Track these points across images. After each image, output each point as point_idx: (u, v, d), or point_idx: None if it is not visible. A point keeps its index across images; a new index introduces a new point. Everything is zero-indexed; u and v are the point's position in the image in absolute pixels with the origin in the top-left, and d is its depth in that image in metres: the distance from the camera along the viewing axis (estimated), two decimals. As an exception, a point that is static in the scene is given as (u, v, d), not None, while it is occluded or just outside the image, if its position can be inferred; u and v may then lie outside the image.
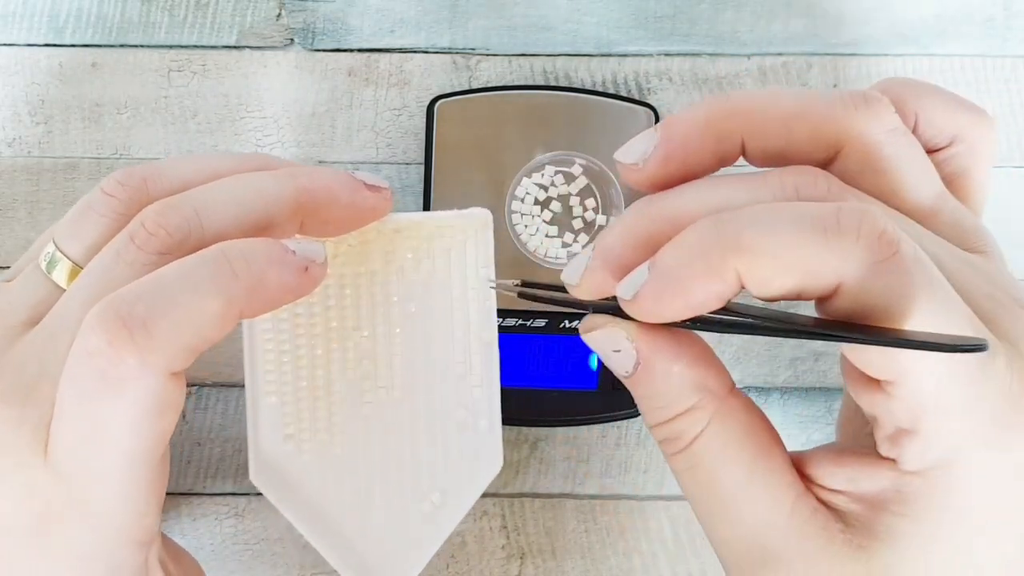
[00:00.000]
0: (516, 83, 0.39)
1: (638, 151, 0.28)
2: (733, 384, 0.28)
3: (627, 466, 0.39)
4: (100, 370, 0.26)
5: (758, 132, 0.27)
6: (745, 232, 0.24)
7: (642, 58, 0.39)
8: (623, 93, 0.39)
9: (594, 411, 0.38)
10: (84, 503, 0.27)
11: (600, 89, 0.39)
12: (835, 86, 0.39)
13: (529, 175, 0.37)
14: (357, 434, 0.33)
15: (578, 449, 0.39)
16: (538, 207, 0.38)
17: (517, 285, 0.29)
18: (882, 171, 0.27)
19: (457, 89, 0.39)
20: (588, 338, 0.28)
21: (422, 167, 0.38)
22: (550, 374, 0.38)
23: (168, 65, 0.39)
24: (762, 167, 0.28)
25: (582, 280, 0.27)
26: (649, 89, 0.39)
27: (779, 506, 0.26)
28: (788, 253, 0.24)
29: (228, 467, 0.39)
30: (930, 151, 0.30)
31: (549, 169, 0.38)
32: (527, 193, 0.37)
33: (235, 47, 0.39)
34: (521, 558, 0.39)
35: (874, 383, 0.25)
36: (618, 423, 0.39)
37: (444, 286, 0.33)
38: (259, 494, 0.33)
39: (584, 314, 0.28)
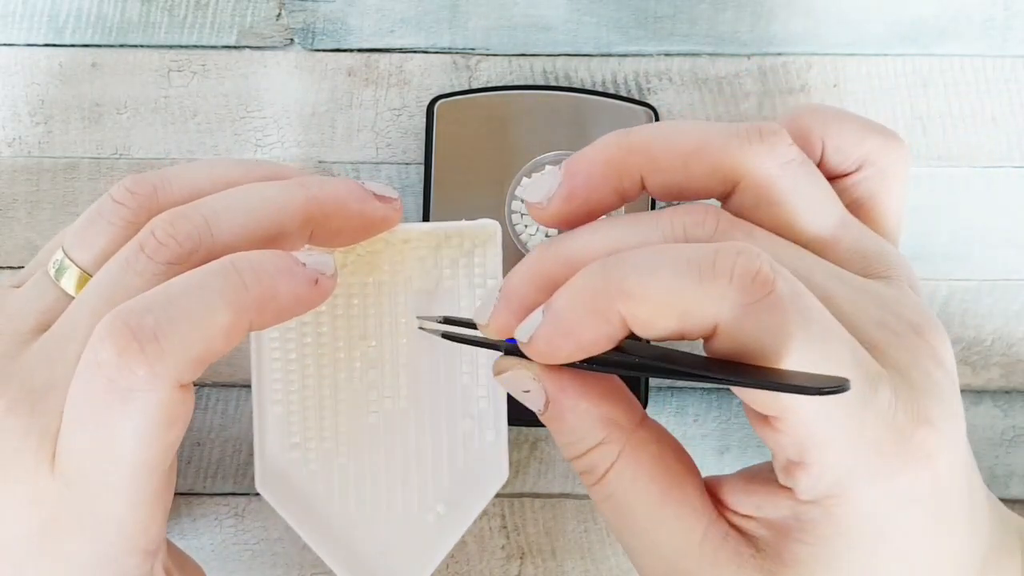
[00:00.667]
0: (516, 83, 0.39)
1: (542, 190, 0.29)
2: (644, 416, 0.29)
3: (627, 466, 0.39)
4: (109, 381, 0.26)
5: (656, 169, 0.28)
6: (627, 277, 0.25)
7: (642, 58, 0.39)
8: (623, 93, 0.39)
9: (594, 411, 0.38)
10: (91, 513, 0.27)
11: (600, 89, 0.39)
12: (835, 86, 0.39)
13: (529, 175, 0.38)
14: (363, 444, 0.33)
15: (578, 449, 0.39)
16: (538, 207, 0.38)
17: (441, 322, 0.31)
18: (777, 203, 0.28)
19: (457, 89, 0.39)
20: (499, 379, 0.29)
21: (422, 167, 0.38)
22: (550, 374, 0.38)
23: (168, 65, 0.39)
24: (665, 201, 0.29)
25: (490, 321, 0.28)
26: (649, 89, 0.39)
27: (691, 533, 0.27)
28: (666, 297, 0.25)
29: (228, 467, 0.39)
30: (839, 176, 0.30)
31: (549, 169, 0.37)
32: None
33: (235, 47, 0.39)
34: (521, 558, 0.39)
35: (763, 417, 0.26)
36: (618, 423, 0.39)
37: (452, 296, 0.33)
38: (259, 494, 0.33)
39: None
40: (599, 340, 0.26)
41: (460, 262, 0.33)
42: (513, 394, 0.28)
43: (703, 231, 0.27)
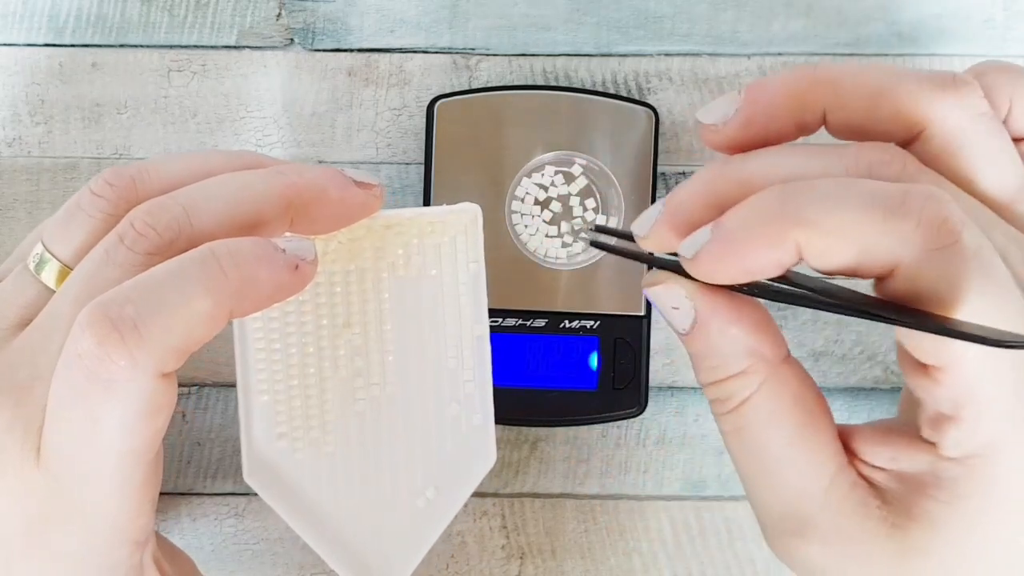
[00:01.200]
0: (516, 83, 0.39)
1: (719, 113, 0.28)
2: (788, 352, 0.28)
3: (627, 466, 0.39)
4: (91, 372, 0.26)
5: (841, 105, 0.27)
6: (809, 205, 0.24)
7: (642, 58, 0.39)
8: (623, 93, 0.39)
9: (594, 411, 0.38)
10: (78, 504, 0.27)
11: (600, 89, 0.39)
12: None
13: (529, 175, 0.37)
14: (350, 431, 0.33)
15: (578, 449, 0.39)
16: (538, 207, 0.38)
17: (592, 231, 0.29)
18: (963, 156, 0.27)
19: (457, 89, 0.39)
20: (649, 292, 0.28)
21: (422, 167, 0.38)
22: (550, 374, 0.38)
23: (168, 65, 0.39)
24: (843, 140, 0.28)
25: (650, 232, 0.27)
26: (649, 89, 0.39)
27: (819, 476, 0.27)
28: (848, 230, 0.24)
29: (228, 467, 0.39)
30: (1021, 140, 0.29)
31: (549, 169, 0.38)
32: (527, 193, 0.37)
33: (235, 47, 0.39)
34: (521, 558, 0.39)
35: (922, 367, 0.25)
36: (618, 423, 0.39)
37: (435, 281, 0.33)
38: (258, 493, 0.33)
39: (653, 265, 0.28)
40: (768, 265, 0.25)
41: (443, 247, 0.33)
42: (659, 308, 0.28)
43: (890, 171, 0.26)
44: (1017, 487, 0.25)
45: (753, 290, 0.26)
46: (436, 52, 0.39)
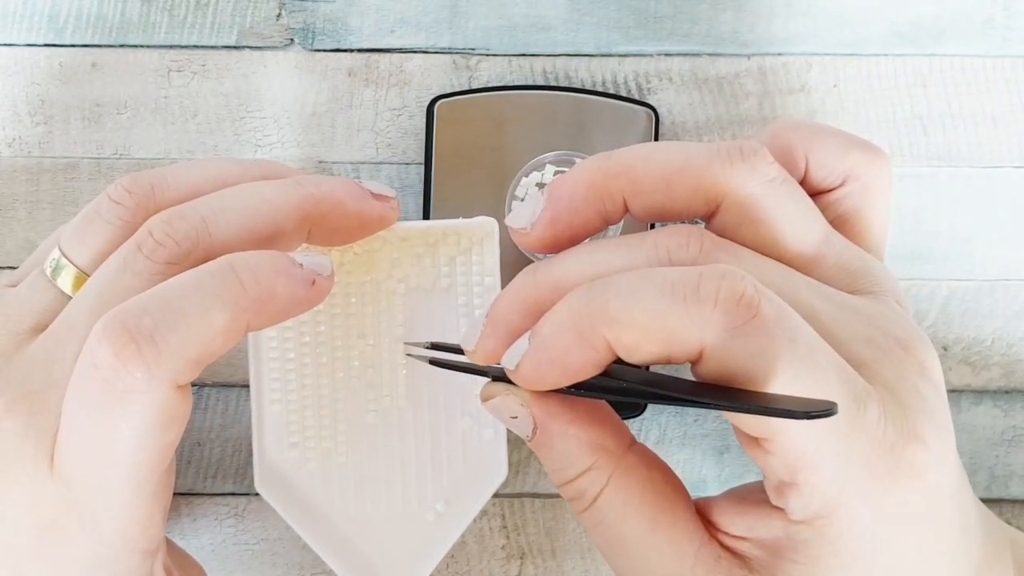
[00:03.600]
0: (516, 83, 0.39)
1: (526, 216, 0.29)
2: (633, 440, 0.28)
3: (627, 466, 0.39)
4: (107, 383, 0.26)
5: (638, 192, 0.28)
6: (612, 302, 0.25)
7: (642, 58, 0.39)
8: (623, 93, 0.39)
9: (594, 411, 0.38)
10: (90, 514, 0.27)
11: (600, 89, 0.39)
12: (835, 86, 0.39)
13: (529, 175, 0.38)
14: (362, 443, 0.33)
15: (578, 449, 0.39)
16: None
17: (429, 348, 0.31)
18: (760, 222, 0.28)
19: (457, 89, 0.39)
20: (486, 406, 0.28)
21: (422, 167, 0.38)
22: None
23: (168, 65, 0.39)
24: (648, 222, 0.29)
25: (476, 347, 0.28)
26: (649, 89, 0.39)
27: (683, 557, 0.27)
28: (651, 322, 0.25)
29: (228, 467, 0.39)
30: (823, 192, 0.30)
31: (549, 169, 0.38)
32: (527, 193, 0.37)
33: (235, 47, 0.39)
34: (521, 558, 0.39)
35: (754, 440, 0.26)
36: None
37: (450, 294, 0.33)
38: (259, 495, 0.33)
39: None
40: (586, 366, 0.26)
41: (458, 260, 0.33)
42: (501, 421, 0.28)
43: (687, 253, 0.27)
44: (860, 542, 0.25)
45: (581, 391, 0.27)
46: (436, 52, 0.39)
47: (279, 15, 0.39)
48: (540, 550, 0.39)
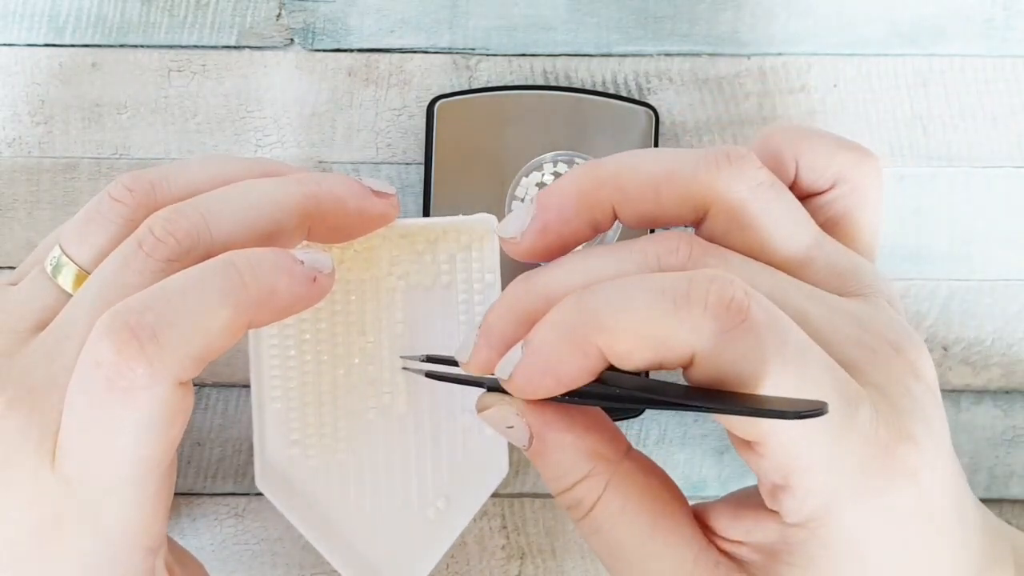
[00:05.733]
0: (516, 83, 0.39)
1: (516, 226, 0.29)
2: (628, 446, 0.28)
3: (627, 466, 0.39)
4: (108, 380, 0.26)
5: (626, 199, 0.28)
6: (602, 310, 0.25)
7: (642, 58, 0.39)
8: (623, 93, 0.39)
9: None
10: (92, 511, 0.27)
11: (600, 89, 0.39)
12: (835, 86, 0.39)
13: (529, 175, 0.38)
14: (362, 439, 0.33)
15: (578, 449, 0.39)
16: (538, 207, 0.38)
17: (424, 360, 0.31)
18: (749, 227, 0.28)
19: (457, 89, 0.39)
20: (482, 417, 0.28)
21: (422, 167, 0.38)
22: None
23: (168, 65, 0.39)
24: (638, 229, 0.30)
25: (471, 358, 0.28)
26: (649, 89, 0.39)
27: (681, 563, 0.27)
28: (642, 328, 0.25)
29: (228, 467, 0.39)
30: (813, 194, 0.30)
31: (549, 169, 0.38)
32: (527, 193, 0.37)
33: (235, 47, 0.39)
34: (521, 558, 0.39)
35: (746, 443, 0.26)
36: (618, 423, 0.39)
37: (450, 291, 0.33)
38: (259, 494, 0.33)
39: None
40: (579, 374, 0.26)
41: (458, 257, 0.33)
42: (497, 431, 0.28)
43: (677, 259, 0.27)
44: (855, 543, 0.26)
45: (575, 398, 0.27)
46: (436, 52, 0.39)
47: (279, 15, 0.39)
48: (540, 550, 0.39)
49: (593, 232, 0.29)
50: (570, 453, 0.28)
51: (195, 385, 0.38)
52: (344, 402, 0.33)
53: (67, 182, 0.39)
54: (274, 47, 0.39)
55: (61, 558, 0.27)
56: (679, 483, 0.29)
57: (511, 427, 0.28)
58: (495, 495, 0.39)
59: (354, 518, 0.33)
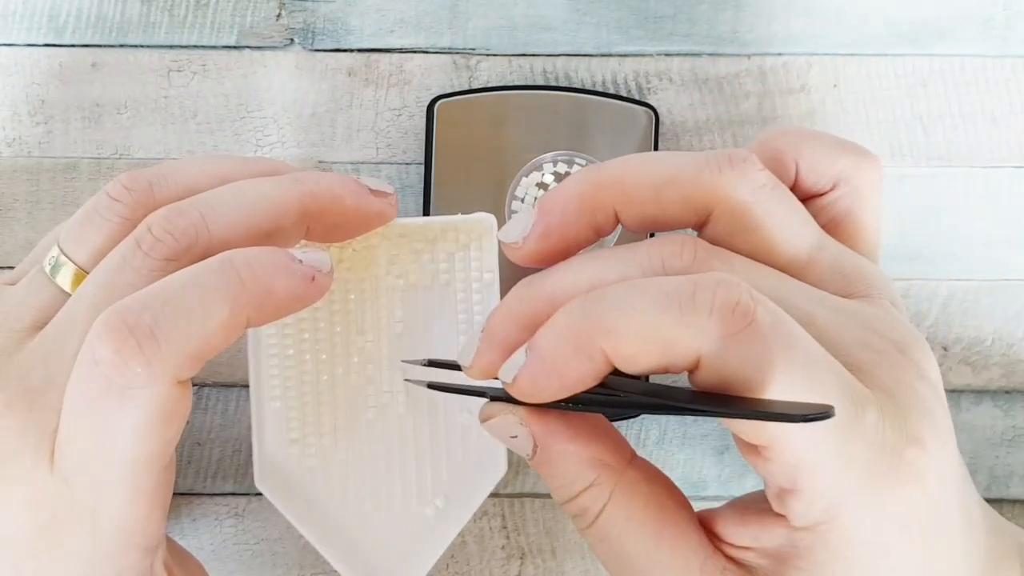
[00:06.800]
0: (516, 83, 0.39)
1: (518, 230, 0.29)
2: (633, 454, 0.28)
3: (627, 466, 0.39)
4: (107, 379, 0.26)
5: (628, 203, 0.28)
6: (607, 314, 0.25)
7: (642, 58, 0.39)
8: (623, 93, 0.39)
9: (594, 411, 0.38)
10: (90, 510, 0.27)
11: (600, 89, 0.39)
12: (835, 86, 0.39)
13: (529, 175, 0.38)
14: (361, 439, 0.33)
15: (578, 449, 0.39)
16: (538, 207, 0.38)
17: (426, 364, 0.31)
18: (752, 230, 0.28)
19: (457, 89, 0.39)
20: (485, 427, 0.28)
21: (422, 167, 0.38)
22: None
23: (168, 65, 0.39)
24: (641, 233, 0.29)
25: (473, 362, 0.28)
26: (649, 89, 0.39)
27: (688, 570, 0.27)
28: (647, 332, 0.24)
29: (228, 467, 0.39)
30: (814, 196, 0.30)
31: (549, 169, 0.38)
32: (527, 193, 0.37)
33: (235, 47, 0.39)
34: (521, 558, 0.39)
35: (752, 447, 0.26)
36: (618, 423, 0.39)
37: (449, 290, 0.33)
38: (259, 494, 0.33)
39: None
40: (583, 378, 0.25)
41: (456, 256, 0.33)
42: (501, 441, 0.28)
43: (681, 262, 0.27)
44: (863, 546, 0.25)
45: (579, 404, 0.26)
46: (436, 52, 0.39)
47: (279, 15, 0.39)
48: (540, 550, 0.39)
49: (595, 236, 0.29)
50: (574, 462, 0.27)
51: (195, 385, 0.38)
52: (343, 401, 0.33)
53: (67, 182, 0.39)
54: (274, 47, 0.39)
55: (58, 557, 0.27)
56: (679, 483, 0.29)
57: (515, 437, 0.28)
58: (495, 495, 0.39)
59: (353, 517, 0.33)
